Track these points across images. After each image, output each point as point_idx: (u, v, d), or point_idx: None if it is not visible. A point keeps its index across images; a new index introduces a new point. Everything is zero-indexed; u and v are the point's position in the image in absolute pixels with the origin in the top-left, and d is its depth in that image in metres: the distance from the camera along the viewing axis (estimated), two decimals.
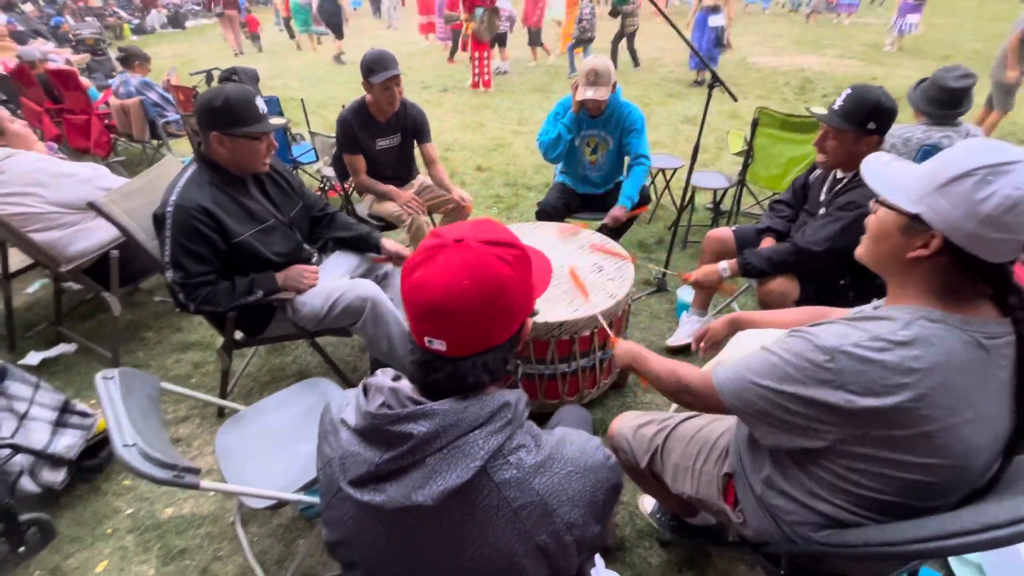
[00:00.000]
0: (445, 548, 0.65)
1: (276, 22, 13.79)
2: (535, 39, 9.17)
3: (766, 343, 0.94)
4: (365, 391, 0.71)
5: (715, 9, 6.72)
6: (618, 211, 2.49)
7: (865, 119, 1.63)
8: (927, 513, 0.84)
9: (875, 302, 0.99)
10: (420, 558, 0.67)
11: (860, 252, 0.94)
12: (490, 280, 0.64)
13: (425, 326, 0.65)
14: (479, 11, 7.22)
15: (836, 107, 1.69)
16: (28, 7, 14.69)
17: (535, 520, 0.65)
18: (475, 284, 0.63)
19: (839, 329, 0.84)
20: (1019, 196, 0.70)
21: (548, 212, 2.61)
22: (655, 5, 2.74)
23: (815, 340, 0.84)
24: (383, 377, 0.72)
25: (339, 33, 9.95)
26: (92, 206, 1.87)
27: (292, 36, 12.02)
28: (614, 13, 7.97)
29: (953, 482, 0.85)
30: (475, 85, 7.60)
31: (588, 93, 2.37)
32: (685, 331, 2.38)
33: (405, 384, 0.70)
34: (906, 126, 2.31)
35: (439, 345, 0.65)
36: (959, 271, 0.79)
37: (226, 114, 1.62)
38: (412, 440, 0.63)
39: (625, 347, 1.28)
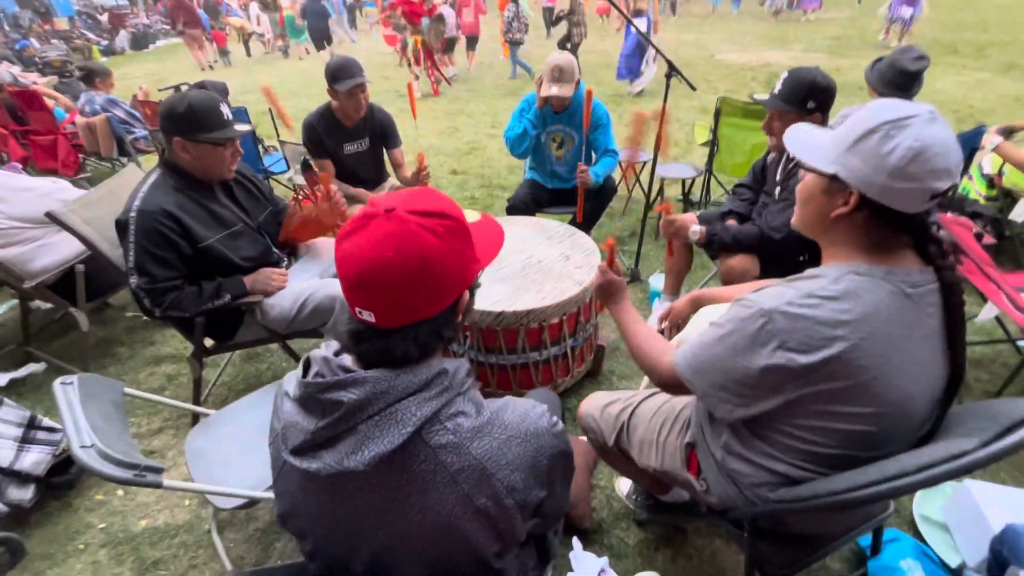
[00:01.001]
0: (384, 512, 0.66)
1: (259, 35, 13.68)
2: (472, 44, 9.47)
3: (714, 318, 0.97)
4: (307, 364, 0.72)
5: (639, 13, 6.75)
6: (583, 174, 2.44)
7: (804, 98, 1.71)
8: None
9: None
10: (362, 524, 0.68)
11: (794, 220, 0.99)
12: (417, 253, 0.63)
13: (355, 296, 0.66)
14: (425, 21, 7.42)
15: (776, 91, 1.77)
16: None
17: (473, 483, 0.65)
18: (399, 256, 0.62)
19: (775, 291, 0.88)
20: (919, 147, 0.75)
21: (518, 207, 2.64)
22: (617, 8, 2.81)
23: (753, 305, 0.87)
24: (324, 350, 0.72)
25: (326, 42, 10.57)
26: (50, 216, 1.84)
27: (248, 54, 12.52)
28: (556, 21, 8.10)
29: (895, 430, 0.88)
30: (436, 91, 7.76)
31: (553, 90, 2.41)
32: (655, 316, 2.42)
33: (345, 357, 0.71)
34: (858, 106, 2.38)
35: (368, 316, 0.65)
36: (878, 224, 0.84)
37: (190, 120, 1.61)
38: (343, 408, 0.63)
39: (610, 281, 1.29)
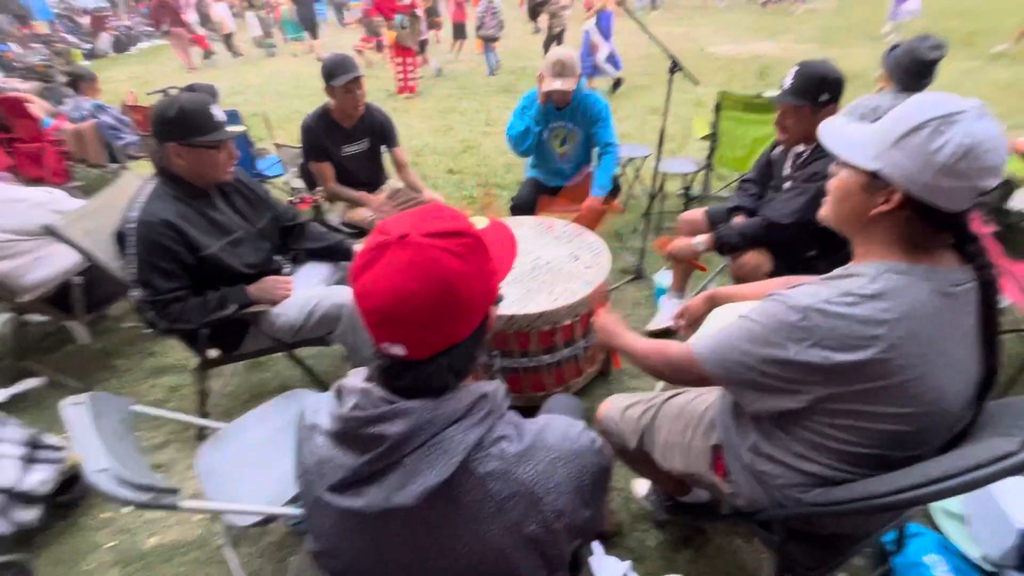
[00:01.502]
0: (432, 549, 0.63)
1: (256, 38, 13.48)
2: (460, 33, 9.50)
3: (743, 312, 0.95)
4: (339, 394, 0.68)
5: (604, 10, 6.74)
6: (593, 201, 2.51)
7: (817, 91, 1.69)
8: (909, 463, 0.86)
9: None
10: (407, 562, 0.65)
11: (824, 213, 0.96)
12: (440, 278, 0.59)
13: (380, 332, 0.62)
14: (399, 17, 7.37)
15: (787, 86, 1.74)
16: None
17: (522, 511, 0.63)
18: (424, 285, 0.58)
19: (811, 289, 0.86)
20: (970, 143, 0.73)
21: (522, 207, 2.62)
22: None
23: (788, 301, 0.86)
24: (355, 378, 0.69)
25: (314, 33, 11.06)
26: (48, 230, 1.79)
27: (234, 54, 12.43)
28: (533, 14, 7.97)
29: (931, 430, 0.87)
30: (400, 90, 7.69)
31: (556, 84, 2.37)
32: (665, 314, 2.41)
33: (378, 386, 0.67)
34: (873, 96, 2.37)
35: (398, 350, 0.62)
36: (920, 222, 0.82)
37: (181, 124, 1.57)
38: (387, 441, 0.60)
39: (605, 321, 1.29)
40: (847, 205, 0.89)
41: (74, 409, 1.09)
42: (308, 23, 11.09)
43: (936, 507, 1.57)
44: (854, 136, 0.87)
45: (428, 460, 0.61)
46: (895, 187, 0.80)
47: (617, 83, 7.02)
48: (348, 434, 0.64)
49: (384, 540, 0.64)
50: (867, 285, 0.81)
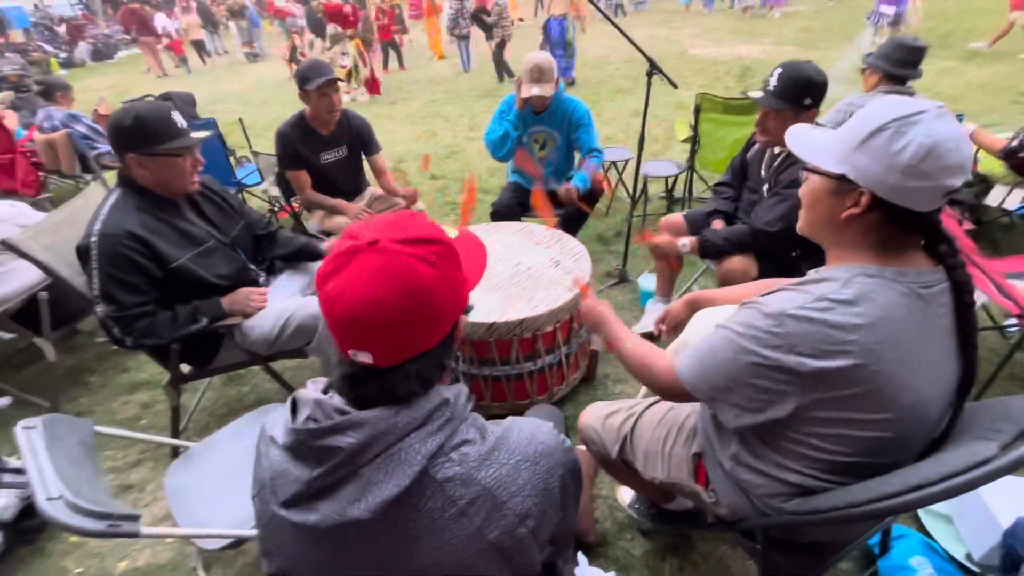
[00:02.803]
0: (392, 560, 0.61)
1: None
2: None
3: (720, 320, 0.93)
4: (294, 406, 0.66)
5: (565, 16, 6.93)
6: (569, 189, 2.42)
7: (801, 95, 1.66)
8: (890, 470, 0.84)
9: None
10: (368, 574, 0.62)
11: (800, 225, 0.96)
12: (411, 286, 0.58)
13: (347, 338, 0.60)
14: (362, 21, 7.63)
15: (771, 88, 1.70)
16: None
17: (484, 515, 0.61)
18: (394, 293, 0.58)
19: (785, 295, 0.85)
20: (931, 143, 0.72)
21: (503, 212, 2.59)
22: (595, 5, 2.78)
23: (763, 308, 0.84)
24: (311, 389, 0.66)
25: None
26: (5, 244, 1.73)
27: (204, 61, 12.55)
28: (476, 20, 8.15)
29: (910, 435, 0.85)
30: (371, 91, 7.88)
31: (534, 90, 2.36)
32: (650, 319, 2.39)
33: (336, 396, 0.65)
34: (863, 95, 2.39)
35: (364, 357, 0.60)
36: (890, 224, 0.81)
37: (139, 133, 1.51)
38: (341, 454, 0.58)
39: (593, 305, 1.27)
40: (817, 211, 0.89)
41: (25, 434, 1.04)
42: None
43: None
44: (820, 141, 0.87)
45: (385, 471, 0.59)
46: (862, 190, 0.79)
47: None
48: (301, 446, 0.61)
49: (342, 555, 0.62)
50: (840, 290, 0.79)
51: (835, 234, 0.88)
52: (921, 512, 1.56)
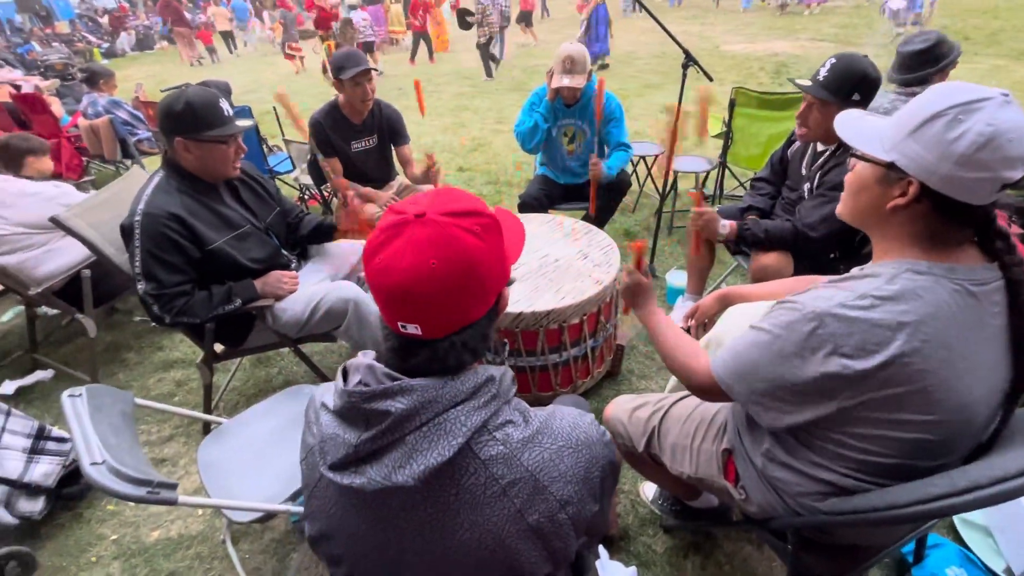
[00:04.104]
0: (431, 532, 0.61)
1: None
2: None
3: (754, 320, 0.91)
4: (344, 373, 0.67)
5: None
6: (598, 167, 2.37)
7: (851, 91, 1.57)
8: (930, 474, 0.81)
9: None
10: (406, 545, 0.63)
11: (840, 209, 0.92)
12: (460, 256, 0.59)
13: (396, 311, 0.61)
14: (336, 25, 7.86)
15: (821, 77, 1.61)
16: None
17: (525, 498, 0.61)
18: (444, 263, 0.58)
19: (825, 292, 0.81)
20: (992, 132, 0.68)
21: (530, 204, 2.58)
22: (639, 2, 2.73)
23: (802, 308, 0.81)
24: (363, 357, 0.67)
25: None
26: (54, 221, 1.80)
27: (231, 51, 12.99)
28: (460, 20, 8.20)
29: (955, 438, 0.82)
30: None
31: (564, 81, 2.34)
32: (678, 315, 2.36)
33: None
34: (900, 92, 2.29)
35: (413, 329, 0.61)
36: (940, 217, 0.77)
37: (189, 118, 1.56)
38: (390, 418, 0.59)
39: (637, 281, 1.24)
40: (863, 199, 0.85)
41: (71, 401, 1.08)
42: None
43: (958, 517, 1.51)
44: (870, 127, 0.83)
45: (430, 439, 0.59)
46: (911, 179, 0.76)
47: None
48: (352, 409, 0.62)
49: (383, 520, 0.63)
50: (884, 286, 0.76)
51: (879, 225, 0.84)
52: (958, 522, 1.50)
